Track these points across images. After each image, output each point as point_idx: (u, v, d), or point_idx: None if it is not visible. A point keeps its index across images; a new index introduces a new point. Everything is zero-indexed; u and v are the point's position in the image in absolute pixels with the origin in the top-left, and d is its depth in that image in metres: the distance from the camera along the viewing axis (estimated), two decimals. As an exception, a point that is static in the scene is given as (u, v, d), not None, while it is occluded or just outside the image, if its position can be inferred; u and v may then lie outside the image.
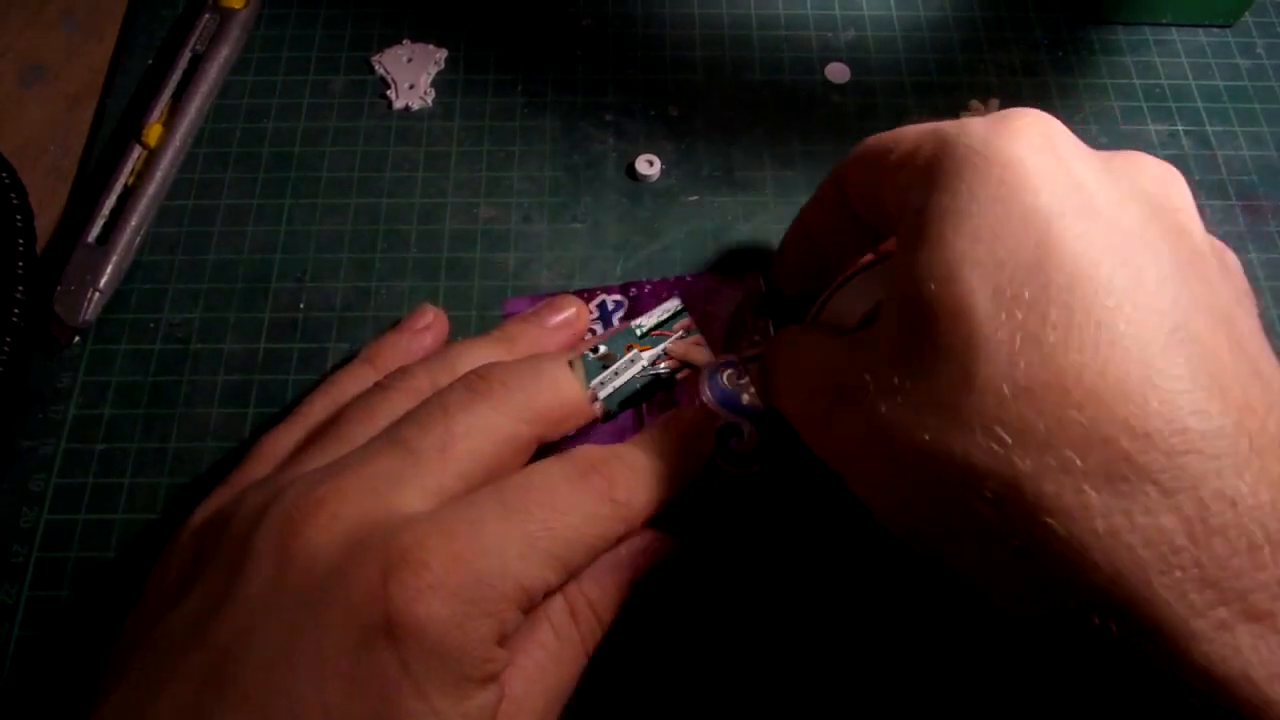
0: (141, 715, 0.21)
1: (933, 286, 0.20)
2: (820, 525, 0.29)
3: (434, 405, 0.25)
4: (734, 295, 0.33)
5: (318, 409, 0.28)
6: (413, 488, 0.23)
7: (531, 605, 0.23)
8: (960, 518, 0.19)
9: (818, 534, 0.29)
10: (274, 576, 0.21)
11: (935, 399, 0.20)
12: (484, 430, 0.25)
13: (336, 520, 0.22)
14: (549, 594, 0.23)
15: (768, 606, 0.28)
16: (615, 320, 0.32)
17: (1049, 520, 0.18)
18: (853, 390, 0.22)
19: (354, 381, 0.29)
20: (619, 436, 0.29)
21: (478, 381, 0.26)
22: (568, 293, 0.32)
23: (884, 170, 0.24)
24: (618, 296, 0.33)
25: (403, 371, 0.27)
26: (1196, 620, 0.17)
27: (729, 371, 0.31)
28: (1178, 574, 0.17)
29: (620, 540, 0.25)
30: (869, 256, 0.28)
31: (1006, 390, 0.18)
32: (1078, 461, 0.18)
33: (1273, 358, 0.20)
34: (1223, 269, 0.22)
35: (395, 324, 0.31)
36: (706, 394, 0.31)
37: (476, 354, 0.28)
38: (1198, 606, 0.17)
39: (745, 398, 0.31)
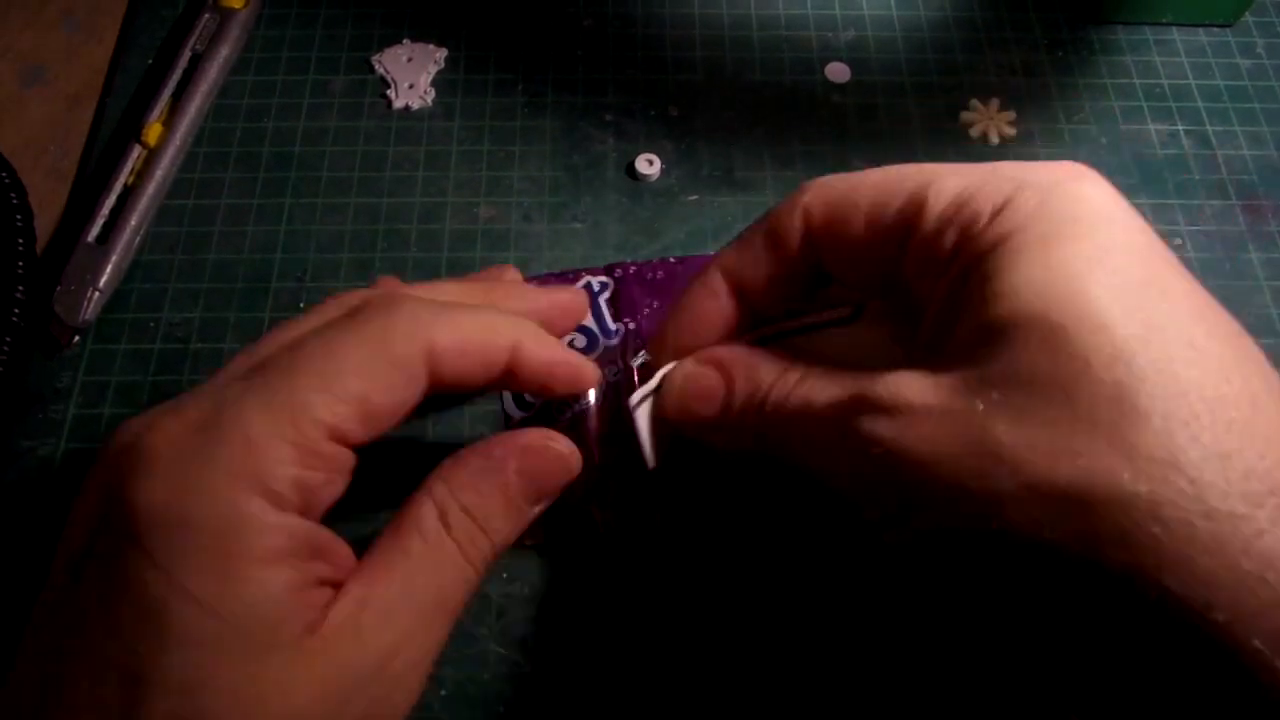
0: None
1: (1054, 300, 0.18)
2: (797, 525, 0.29)
3: (314, 314, 0.23)
4: None
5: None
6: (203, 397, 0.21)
7: (318, 458, 0.20)
8: (1106, 561, 0.17)
9: (793, 534, 0.29)
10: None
11: (1084, 420, 0.17)
12: (354, 346, 0.21)
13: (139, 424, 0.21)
14: (353, 444, 0.21)
15: (746, 600, 0.28)
16: (602, 301, 0.32)
17: (1257, 547, 0.16)
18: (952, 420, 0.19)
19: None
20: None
21: (373, 298, 0.23)
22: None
23: (919, 218, 0.21)
24: (603, 278, 0.33)
25: (348, 293, 0.24)
26: None
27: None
28: None
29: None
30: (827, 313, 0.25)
31: (1174, 408, 0.17)
32: (1261, 486, 0.16)
33: None
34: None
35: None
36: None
37: (432, 290, 0.25)
38: None
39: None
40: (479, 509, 0.22)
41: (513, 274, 0.29)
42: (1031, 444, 0.17)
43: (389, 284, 0.27)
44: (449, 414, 0.31)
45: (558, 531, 0.28)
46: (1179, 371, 0.17)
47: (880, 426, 0.20)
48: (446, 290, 0.25)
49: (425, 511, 0.22)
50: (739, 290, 0.25)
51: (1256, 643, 0.16)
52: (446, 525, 0.22)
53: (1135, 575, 0.16)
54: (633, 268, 0.33)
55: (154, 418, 0.20)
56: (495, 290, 0.26)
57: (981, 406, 0.18)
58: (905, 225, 0.21)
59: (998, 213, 0.20)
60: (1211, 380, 0.17)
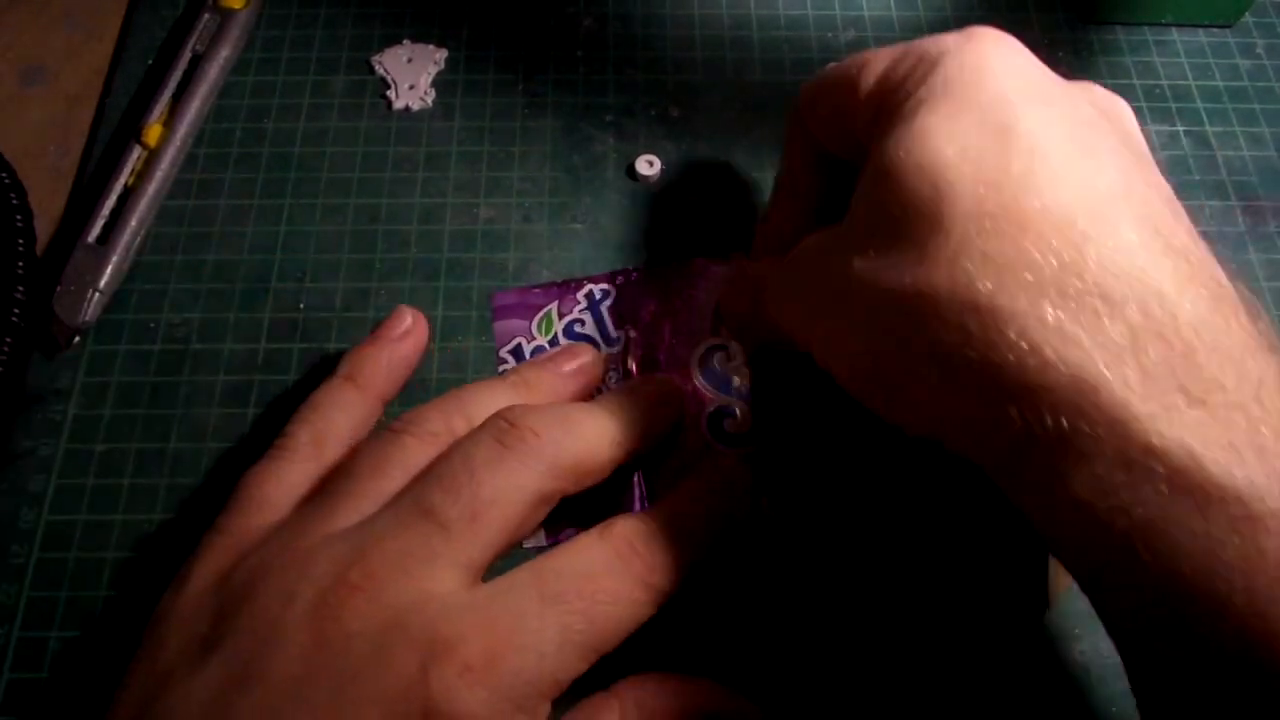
0: None
1: (902, 154, 0.22)
2: (820, 509, 0.29)
3: (458, 462, 0.24)
4: (718, 277, 0.33)
5: (303, 439, 0.27)
6: (445, 564, 0.23)
7: (561, 693, 0.22)
8: (927, 353, 0.21)
9: (818, 530, 0.29)
10: (305, 659, 0.21)
11: (905, 245, 0.21)
12: (512, 492, 0.24)
13: (372, 604, 0.22)
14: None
15: (769, 604, 0.28)
16: (604, 309, 0.32)
17: (1009, 332, 0.19)
18: (829, 260, 0.24)
19: (338, 406, 0.28)
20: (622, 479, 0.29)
21: (507, 431, 0.24)
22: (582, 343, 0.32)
23: (856, 91, 0.25)
24: (605, 285, 0.33)
25: (417, 416, 0.26)
26: (1143, 404, 0.18)
27: (719, 355, 0.31)
28: (1125, 369, 0.19)
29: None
30: None
31: (971, 228, 0.20)
32: (1032, 278, 0.19)
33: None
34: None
35: (372, 330, 0.30)
36: (698, 378, 0.31)
37: (493, 399, 0.27)
38: (1142, 394, 0.18)
39: (735, 380, 0.31)
40: None
41: (590, 355, 0.30)
42: (872, 264, 0.22)
43: (464, 394, 0.28)
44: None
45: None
46: (984, 195, 0.20)
47: (785, 272, 0.26)
48: (500, 397, 0.27)
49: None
50: (804, 201, 0.30)
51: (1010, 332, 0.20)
52: None
53: (947, 350, 0.20)
54: (635, 274, 0.33)
55: (464, 624, 0.22)
56: (534, 390, 0.29)
57: (845, 243, 0.23)
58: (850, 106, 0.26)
59: (904, 82, 0.23)
60: (1010, 196, 0.20)
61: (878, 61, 0.25)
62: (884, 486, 0.29)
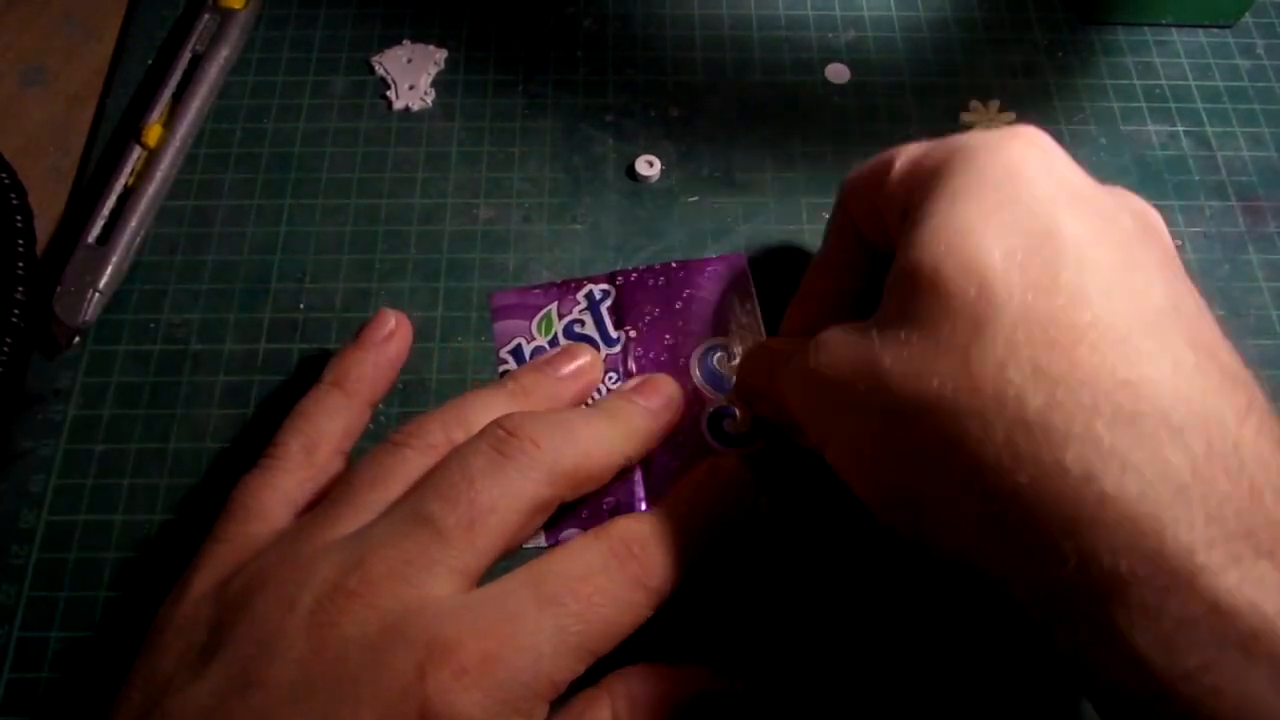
0: None
1: (942, 248, 0.21)
2: (819, 518, 0.29)
3: (456, 471, 0.24)
4: (718, 275, 0.33)
5: (294, 448, 0.27)
6: (442, 571, 0.23)
7: (559, 694, 0.23)
8: (962, 471, 0.19)
9: (817, 531, 0.29)
10: (303, 665, 0.21)
11: (944, 348, 0.20)
12: (510, 500, 0.24)
13: (370, 611, 0.22)
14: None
15: (768, 607, 0.28)
16: (604, 309, 0.32)
17: (1065, 455, 0.18)
18: (856, 353, 0.23)
19: (326, 413, 0.28)
20: (626, 479, 0.29)
21: (505, 440, 0.25)
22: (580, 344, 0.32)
23: (886, 180, 0.24)
24: (604, 285, 0.33)
25: (416, 428, 0.26)
26: (1208, 552, 0.17)
27: (719, 354, 0.31)
28: (1190, 510, 0.17)
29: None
30: None
31: (1020, 334, 0.19)
32: (1088, 398, 0.18)
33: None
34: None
35: (356, 334, 0.30)
36: (697, 376, 0.31)
37: (492, 407, 0.27)
38: (1206, 539, 0.17)
39: (733, 379, 0.31)
40: None
41: (589, 356, 0.30)
42: (905, 367, 0.21)
43: (463, 403, 0.28)
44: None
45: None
46: (1032, 302, 0.19)
47: (805, 359, 0.24)
48: (498, 404, 0.27)
49: (600, 718, 0.24)
50: (840, 283, 0.29)
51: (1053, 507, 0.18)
52: None
53: (982, 463, 0.19)
54: (634, 274, 0.33)
55: (460, 627, 0.22)
56: (532, 395, 0.28)
57: (876, 339, 0.22)
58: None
59: (935, 174, 0.23)
60: (1060, 306, 0.19)
61: (911, 149, 0.25)
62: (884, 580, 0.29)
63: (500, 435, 0.25)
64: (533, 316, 0.33)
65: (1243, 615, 0.16)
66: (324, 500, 0.26)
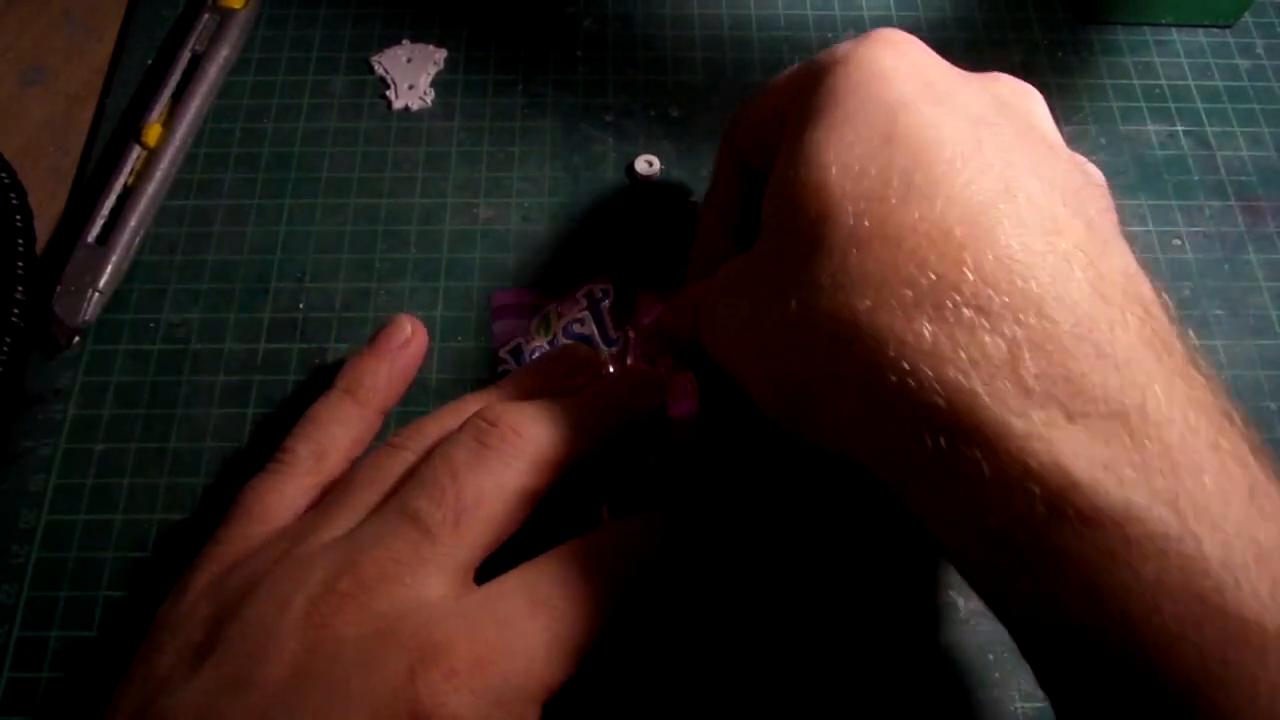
0: None
1: (790, 173, 0.22)
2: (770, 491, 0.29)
3: (440, 465, 0.24)
4: None
5: (302, 454, 0.27)
6: (433, 569, 0.23)
7: (550, 697, 0.23)
8: (822, 378, 0.21)
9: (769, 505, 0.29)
10: (296, 665, 0.21)
11: (795, 269, 0.21)
12: (495, 490, 0.24)
13: (363, 612, 0.22)
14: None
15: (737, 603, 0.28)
16: (604, 310, 0.32)
17: (887, 351, 0.19)
18: (738, 283, 0.24)
19: (337, 421, 0.28)
20: None
21: (487, 431, 0.25)
22: (575, 343, 0.32)
23: (765, 108, 0.26)
24: (605, 286, 0.33)
25: (413, 431, 0.27)
26: (1018, 420, 0.18)
27: None
28: (1000, 384, 0.18)
29: None
30: None
31: (851, 247, 0.20)
32: (909, 294, 0.19)
33: (1119, 233, 0.21)
34: (1083, 173, 0.23)
35: (372, 338, 0.30)
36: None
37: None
38: (1018, 409, 0.18)
39: None
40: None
41: (583, 356, 0.31)
42: (769, 285, 0.22)
43: (461, 406, 0.28)
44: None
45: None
46: (863, 209, 0.20)
47: (703, 296, 0.26)
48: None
49: None
50: (729, 220, 0.29)
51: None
52: None
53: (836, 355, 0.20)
54: (635, 275, 0.33)
55: (452, 630, 0.22)
56: (530, 397, 0.28)
57: (751, 260, 0.23)
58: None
59: (804, 88, 0.24)
60: (888, 210, 0.20)
61: (785, 75, 0.25)
62: (801, 486, 0.30)
63: (481, 427, 0.25)
64: (533, 316, 0.33)
65: (1048, 475, 0.18)
66: (322, 502, 0.26)
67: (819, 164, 0.21)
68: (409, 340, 0.30)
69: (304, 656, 0.21)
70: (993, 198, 0.20)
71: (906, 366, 0.19)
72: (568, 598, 0.23)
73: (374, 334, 0.30)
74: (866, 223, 0.20)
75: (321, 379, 0.30)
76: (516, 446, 0.24)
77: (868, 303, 0.20)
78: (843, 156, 0.21)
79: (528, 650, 0.22)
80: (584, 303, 0.33)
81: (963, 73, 0.23)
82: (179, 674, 0.22)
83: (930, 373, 0.19)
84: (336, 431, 0.28)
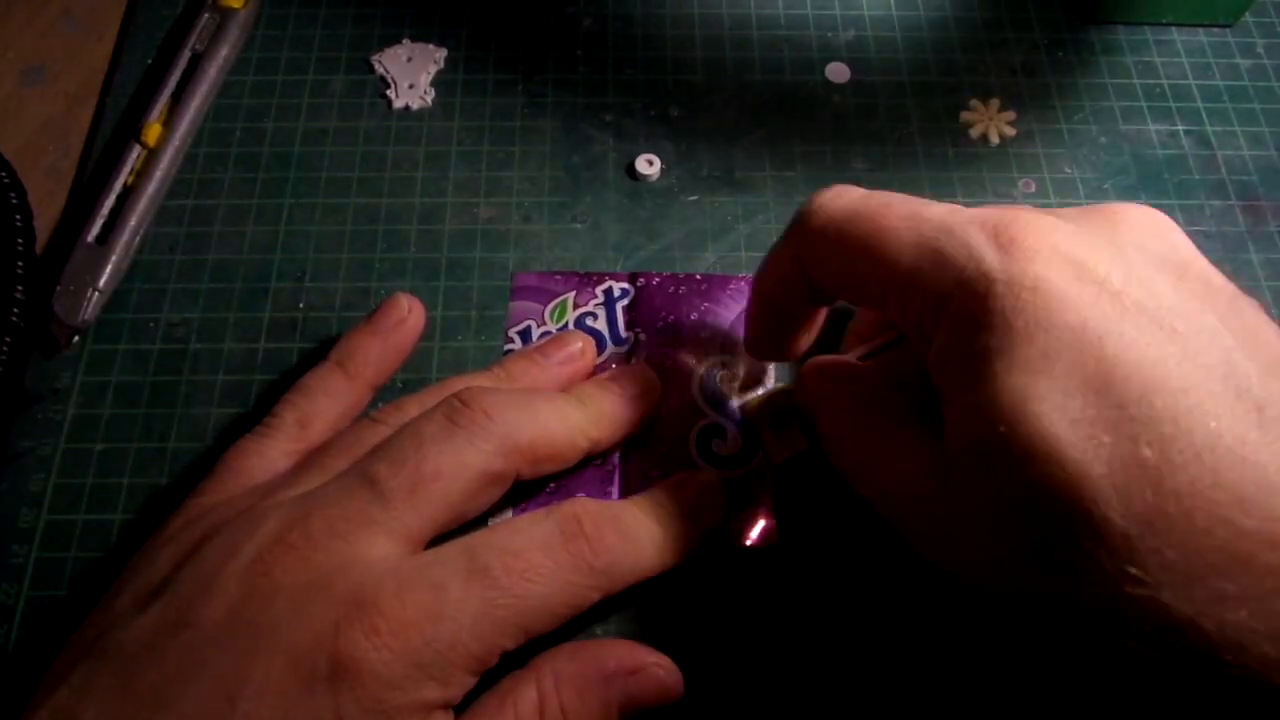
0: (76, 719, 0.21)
1: (1003, 430, 0.19)
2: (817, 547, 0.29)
3: (408, 436, 0.25)
4: (739, 294, 0.33)
5: (288, 420, 0.28)
6: (380, 531, 0.23)
7: (484, 668, 0.23)
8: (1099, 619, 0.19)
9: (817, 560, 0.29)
10: (232, 608, 0.22)
11: (1059, 554, 0.19)
12: (456, 468, 0.24)
13: (303, 563, 0.22)
14: (506, 654, 0.23)
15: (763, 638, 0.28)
16: (619, 307, 0.32)
17: (1222, 654, 0.17)
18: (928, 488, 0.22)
19: (326, 392, 0.28)
20: (603, 482, 0.29)
21: (459, 410, 0.25)
22: (574, 331, 0.32)
23: (877, 279, 0.22)
24: (625, 285, 0.33)
25: (395, 406, 0.27)
26: None
27: (721, 373, 0.31)
28: None
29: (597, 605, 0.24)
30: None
31: (1133, 531, 0.17)
32: (1230, 589, 0.17)
33: None
34: (1253, 306, 0.21)
35: (369, 315, 0.30)
36: (697, 390, 0.31)
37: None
38: None
39: (733, 401, 0.31)
40: (576, 713, 0.24)
41: (580, 343, 0.30)
42: (989, 545, 0.20)
43: (445, 386, 0.28)
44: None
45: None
46: (1126, 480, 0.18)
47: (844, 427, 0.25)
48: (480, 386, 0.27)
49: (526, 697, 0.23)
50: (775, 311, 0.27)
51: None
52: (542, 717, 0.23)
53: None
54: (655, 279, 0.33)
55: (382, 589, 0.22)
56: (516, 381, 0.29)
57: (938, 483, 0.21)
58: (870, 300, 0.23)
59: (951, 317, 0.21)
60: (1156, 478, 0.18)
61: (900, 254, 0.22)
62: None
63: (454, 405, 0.25)
64: (549, 301, 0.33)
65: None
66: (302, 463, 0.26)
67: (1037, 418, 0.18)
68: (405, 318, 0.30)
69: (240, 601, 0.22)
70: (1251, 425, 0.18)
71: (1230, 652, 0.17)
72: (508, 569, 0.23)
73: (373, 310, 0.30)
74: (1137, 496, 0.17)
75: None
76: (485, 428, 0.25)
77: (1184, 605, 0.17)
78: (1063, 407, 0.18)
79: (457, 617, 0.22)
80: (601, 297, 0.33)
81: (1109, 235, 0.21)
82: (131, 612, 0.23)
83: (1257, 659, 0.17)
84: (323, 401, 0.28)
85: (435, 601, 0.22)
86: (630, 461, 0.29)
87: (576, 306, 0.32)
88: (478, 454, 0.24)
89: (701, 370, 0.31)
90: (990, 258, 0.20)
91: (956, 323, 0.21)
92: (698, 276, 0.33)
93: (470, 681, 0.23)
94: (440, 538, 0.25)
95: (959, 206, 0.22)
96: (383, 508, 0.23)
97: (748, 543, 0.28)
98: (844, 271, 0.24)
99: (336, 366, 0.29)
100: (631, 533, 0.25)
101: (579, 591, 0.24)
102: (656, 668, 0.25)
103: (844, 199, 0.23)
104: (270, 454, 0.27)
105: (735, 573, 0.28)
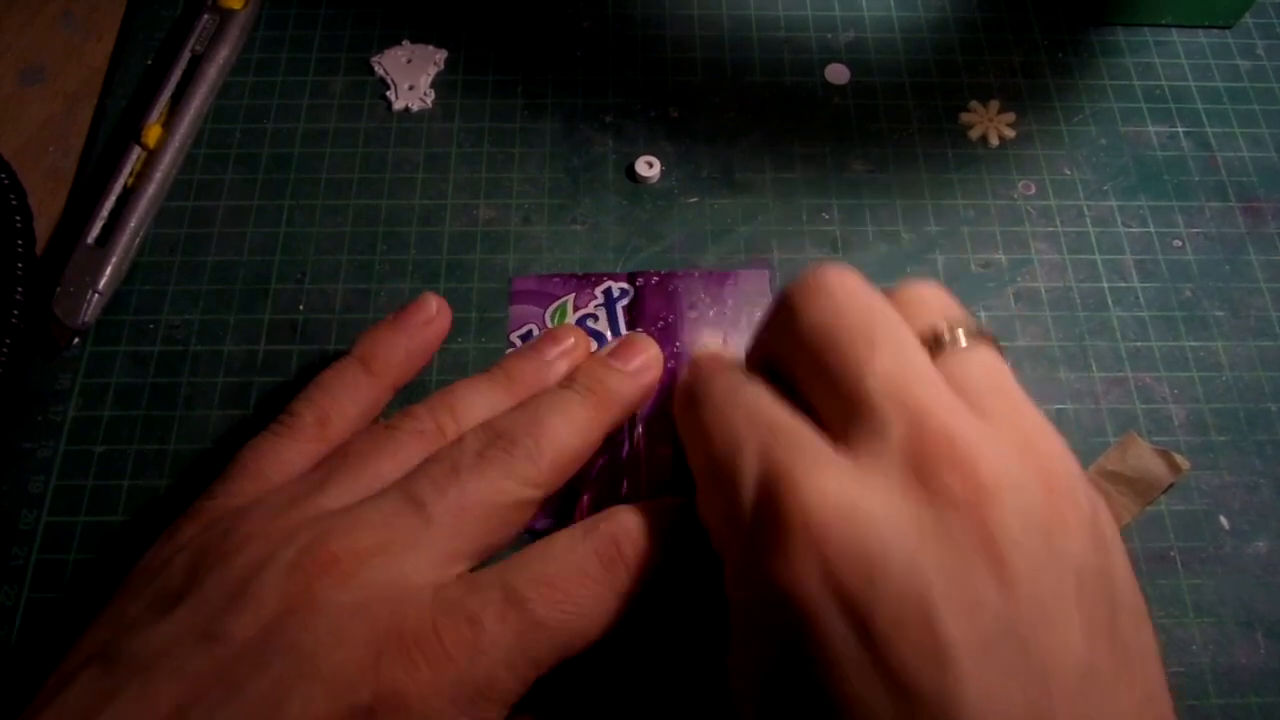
0: None
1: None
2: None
3: (446, 463, 0.24)
4: (739, 290, 0.33)
5: (307, 419, 0.27)
6: (425, 552, 0.23)
7: (517, 699, 0.22)
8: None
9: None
10: (271, 623, 0.21)
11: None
12: (494, 494, 0.24)
13: (348, 580, 0.22)
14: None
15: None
16: (619, 308, 0.32)
17: None
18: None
19: (347, 390, 0.28)
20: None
21: (488, 445, 0.25)
22: (569, 325, 0.32)
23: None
24: (624, 285, 0.33)
25: (408, 414, 0.27)
26: None
27: None
28: None
29: None
30: None
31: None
32: None
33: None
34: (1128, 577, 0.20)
35: (394, 313, 0.29)
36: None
37: (478, 396, 0.27)
38: None
39: None
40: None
41: (574, 337, 0.30)
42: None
43: (451, 394, 0.28)
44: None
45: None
46: None
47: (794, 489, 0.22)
48: (483, 392, 0.27)
49: None
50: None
51: None
52: None
53: None
54: (655, 278, 0.33)
55: (425, 620, 0.22)
56: (517, 382, 0.28)
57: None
58: None
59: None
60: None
61: (712, 437, 0.22)
62: None
63: (481, 439, 0.25)
64: (549, 305, 0.33)
65: None
66: (317, 469, 0.26)
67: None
68: (433, 318, 0.29)
69: (277, 617, 0.21)
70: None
71: None
72: (545, 600, 0.22)
73: (398, 308, 0.29)
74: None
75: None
76: (511, 461, 0.25)
77: None
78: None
79: (492, 652, 0.22)
80: (600, 298, 0.33)
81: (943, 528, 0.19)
82: (147, 618, 0.22)
83: None
84: (345, 400, 0.27)
85: (472, 636, 0.21)
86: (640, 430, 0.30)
87: (576, 309, 0.33)
88: (511, 483, 0.24)
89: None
90: (747, 514, 0.20)
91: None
92: (696, 273, 0.33)
93: (504, 713, 0.22)
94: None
95: (765, 413, 0.22)
96: (428, 530, 0.23)
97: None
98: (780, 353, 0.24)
99: (359, 364, 0.28)
100: (652, 553, 0.24)
101: (612, 618, 0.23)
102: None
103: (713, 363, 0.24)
104: (288, 454, 0.26)
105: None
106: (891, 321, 0.22)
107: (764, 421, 0.22)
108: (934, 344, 0.22)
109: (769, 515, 0.20)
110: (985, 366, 0.22)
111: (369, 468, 0.25)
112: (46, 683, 0.22)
